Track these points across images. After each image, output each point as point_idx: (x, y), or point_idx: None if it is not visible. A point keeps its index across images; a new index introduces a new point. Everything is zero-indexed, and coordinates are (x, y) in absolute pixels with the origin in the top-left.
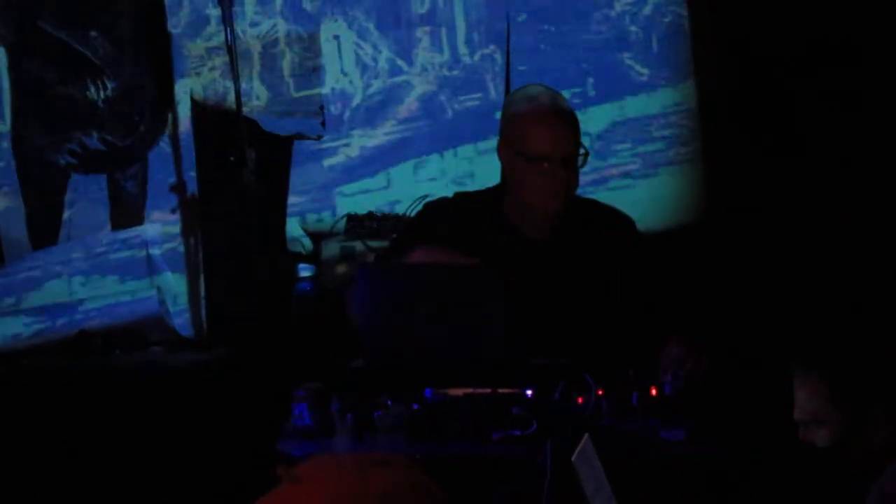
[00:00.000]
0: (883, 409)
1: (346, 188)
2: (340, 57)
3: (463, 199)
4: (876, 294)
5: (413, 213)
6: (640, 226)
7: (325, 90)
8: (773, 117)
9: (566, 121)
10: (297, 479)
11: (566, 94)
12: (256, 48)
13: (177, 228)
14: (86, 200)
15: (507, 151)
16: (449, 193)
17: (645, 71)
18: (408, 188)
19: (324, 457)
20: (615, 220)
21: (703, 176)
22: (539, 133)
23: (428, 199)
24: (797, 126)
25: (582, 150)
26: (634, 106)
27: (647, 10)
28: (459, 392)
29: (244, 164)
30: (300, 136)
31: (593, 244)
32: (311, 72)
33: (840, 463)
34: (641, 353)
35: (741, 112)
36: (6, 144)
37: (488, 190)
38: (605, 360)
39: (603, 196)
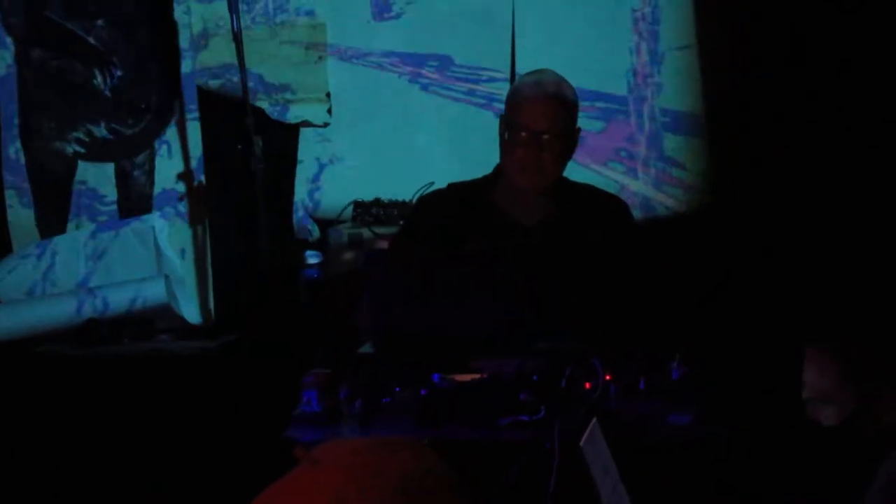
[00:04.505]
0: (893, 389)
1: None
2: None
3: (454, 190)
4: (887, 274)
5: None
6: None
7: None
8: (782, 98)
9: (555, 102)
10: (315, 462)
11: None
12: (263, 35)
13: (184, 216)
14: (94, 189)
15: (502, 122)
16: None
17: None
18: None
19: (339, 440)
20: (609, 204)
21: (716, 155)
22: (526, 103)
23: (423, 192)
24: (809, 105)
25: (567, 132)
26: None
27: None
28: (467, 377)
29: (251, 152)
30: (306, 124)
31: (585, 228)
32: (317, 59)
33: (848, 442)
34: (632, 334)
35: (749, 91)
36: (14, 133)
37: (481, 179)
38: (598, 342)
39: None
